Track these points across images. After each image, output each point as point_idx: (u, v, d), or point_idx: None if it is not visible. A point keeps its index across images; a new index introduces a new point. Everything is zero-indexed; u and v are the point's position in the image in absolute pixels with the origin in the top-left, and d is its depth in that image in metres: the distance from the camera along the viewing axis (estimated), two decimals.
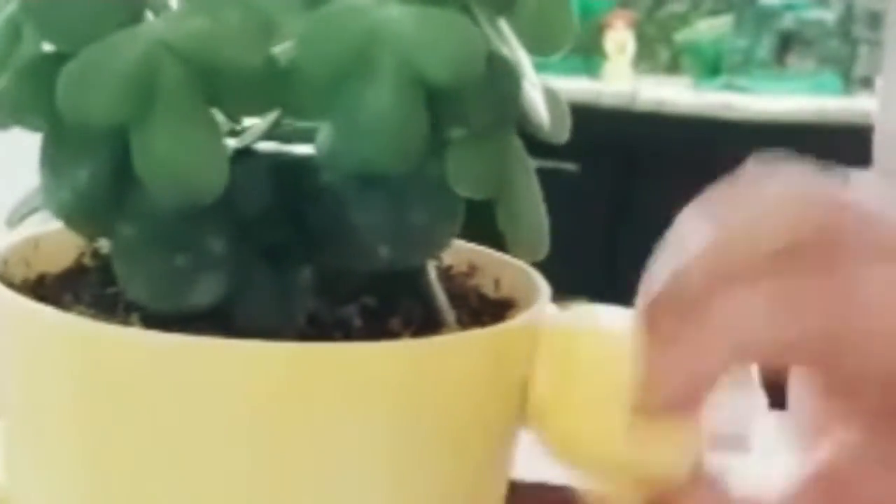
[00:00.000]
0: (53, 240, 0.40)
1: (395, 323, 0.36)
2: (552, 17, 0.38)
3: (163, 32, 0.33)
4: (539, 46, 0.38)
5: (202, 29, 0.32)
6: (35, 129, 0.34)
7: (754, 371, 0.72)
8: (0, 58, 0.35)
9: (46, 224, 0.38)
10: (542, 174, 0.38)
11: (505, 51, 0.35)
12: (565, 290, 0.64)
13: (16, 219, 0.37)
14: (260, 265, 0.35)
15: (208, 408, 0.33)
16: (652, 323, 0.34)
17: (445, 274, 0.42)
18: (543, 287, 0.39)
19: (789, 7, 2.29)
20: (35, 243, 0.40)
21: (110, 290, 0.36)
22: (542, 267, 0.39)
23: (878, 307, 0.32)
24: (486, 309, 0.40)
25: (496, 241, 0.37)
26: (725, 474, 0.35)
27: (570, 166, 1.98)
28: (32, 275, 0.39)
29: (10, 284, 0.37)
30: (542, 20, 0.38)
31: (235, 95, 0.34)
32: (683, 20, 2.35)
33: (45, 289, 0.38)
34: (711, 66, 2.23)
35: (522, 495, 0.65)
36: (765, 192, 0.33)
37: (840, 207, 0.33)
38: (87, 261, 0.40)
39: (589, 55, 2.18)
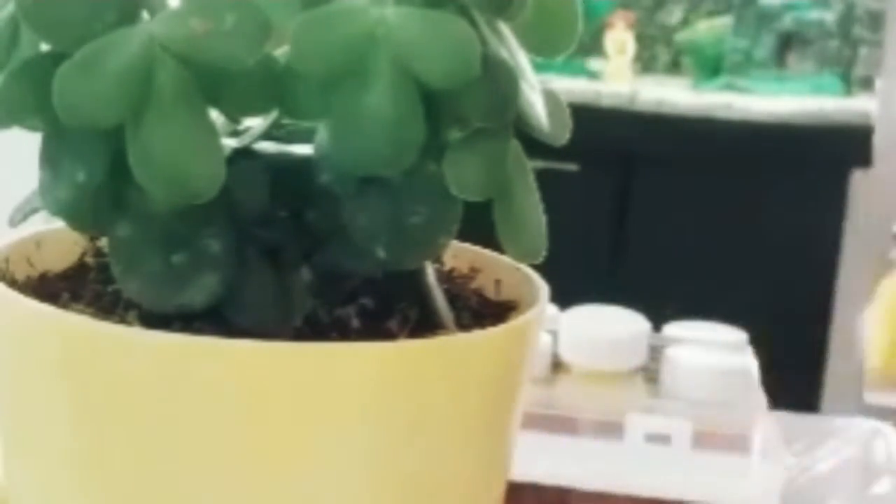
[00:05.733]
0: (56, 239, 0.40)
1: (392, 324, 0.36)
2: (556, 19, 0.38)
3: (159, 32, 0.33)
4: (542, 48, 0.38)
5: (198, 29, 0.32)
6: (33, 128, 0.34)
7: (754, 371, 0.73)
8: None
9: (49, 223, 0.38)
10: (542, 175, 0.38)
11: (503, 52, 0.35)
12: (566, 291, 0.65)
13: (18, 218, 0.37)
14: (257, 265, 0.35)
15: (205, 407, 0.33)
16: None
17: (447, 276, 0.42)
18: (543, 289, 0.39)
19: (789, 7, 2.29)
20: (37, 242, 0.40)
21: (110, 288, 0.36)
22: (542, 268, 0.39)
23: None
24: (486, 311, 0.40)
25: (494, 243, 0.37)
26: None
27: (570, 167, 1.98)
28: (34, 274, 0.39)
29: (13, 283, 0.37)
30: (545, 22, 0.38)
31: (232, 95, 0.34)
32: (683, 20, 2.35)
33: (47, 287, 0.38)
34: (711, 67, 2.23)
35: (522, 495, 0.65)
36: None
37: None
38: (89, 259, 0.40)
39: (589, 56, 2.18)
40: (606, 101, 2.04)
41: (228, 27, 0.32)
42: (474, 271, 0.42)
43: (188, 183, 0.33)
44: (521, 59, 0.37)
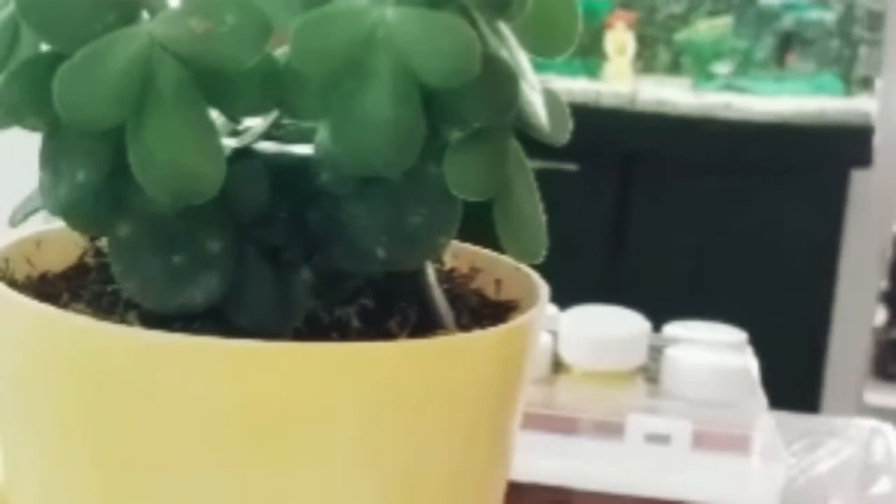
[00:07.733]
0: (55, 239, 0.40)
1: (392, 324, 0.36)
2: (556, 19, 0.38)
3: (159, 32, 0.33)
4: (542, 48, 0.38)
5: (198, 29, 0.32)
6: (33, 128, 0.34)
7: (754, 371, 0.73)
8: None
9: (49, 223, 0.38)
10: (542, 175, 0.38)
11: (503, 53, 0.35)
12: (565, 291, 0.65)
13: (18, 218, 0.37)
14: (258, 265, 0.35)
15: (205, 407, 0.33)
16: None
17: (447, 276, 0.42)
18: (543, 289, 0.39)
19: (789, 7, 2.29)
20: (37, 242, 0.40)
21: (110, 288, 0.36)
22: (541, 268, 0.39)
23: None
24: (486, 311, 0.40)
25: (494, 243, 0.37)
26: None
27: (570, 167, 1.98)
28: (34, 274, 0.39)
29: (13, 283, 0.37)
30: (545, 22, 0.38)
31: (232, 95, 0.34)
32: (683, 20, 2.35)
33: (47, 287, 0.38)
34: (711, 67, 2.23)
35: (521, 495, 0.65)
36: None
37: None
38: (89, 259, 0.40)
39: (589, 56, 2.18)
40: (606, 101, 2.04)
41: (228, 27, 0.32)
42: (474, 271, 0.42)
43: (188, 183, 0.33)
44: (521, 59, 0.37)
